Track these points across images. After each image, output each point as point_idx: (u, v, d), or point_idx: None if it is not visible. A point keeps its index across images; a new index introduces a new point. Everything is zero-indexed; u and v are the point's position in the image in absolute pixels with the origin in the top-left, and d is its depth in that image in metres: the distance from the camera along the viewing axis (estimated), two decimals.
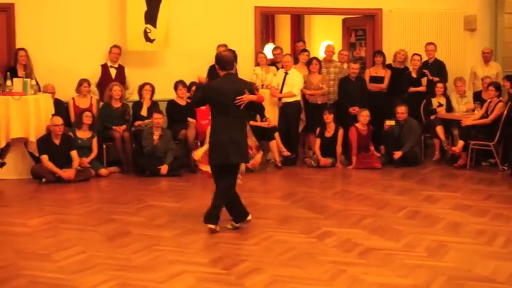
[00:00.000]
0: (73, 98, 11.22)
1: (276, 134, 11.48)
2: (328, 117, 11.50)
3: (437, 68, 12.35)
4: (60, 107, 10.99)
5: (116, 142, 10.99)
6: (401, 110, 11.52)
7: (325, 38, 15.68)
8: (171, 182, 10.25)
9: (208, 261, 6.30)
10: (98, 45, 11.68)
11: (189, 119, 11.29)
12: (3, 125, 10.19)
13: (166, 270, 6.05)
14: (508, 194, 9.38)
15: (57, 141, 10.26)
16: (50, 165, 10.10)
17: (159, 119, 10.71)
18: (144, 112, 11.31)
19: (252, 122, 11.37)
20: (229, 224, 7.49)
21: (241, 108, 7.34)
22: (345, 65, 12.59)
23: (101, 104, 11.41)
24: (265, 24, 17.09)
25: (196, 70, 11.73)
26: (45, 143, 10.22)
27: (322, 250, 6.68)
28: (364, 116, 11.49)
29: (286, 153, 11.53)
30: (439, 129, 11.65)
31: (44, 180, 10.10)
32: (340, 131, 11.51)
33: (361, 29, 13.74)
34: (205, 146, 7.93)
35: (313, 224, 7.68)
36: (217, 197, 7.39)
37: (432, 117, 11.97)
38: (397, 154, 11.36)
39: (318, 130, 11.61)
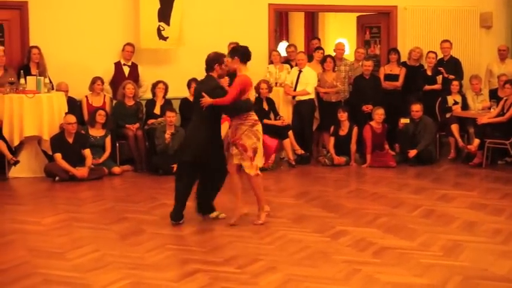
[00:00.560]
0: (86, 96, 11.22)
1: (290, 133, 11.44)
2: (343, 115, 11.45)
3: (453, 66, 12.29)
4: (74, 105, 11.01)
5: (129, 140, 10.98)
6: (416, 108, 11.45)
7: (339, 36, 15.60)
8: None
9: (222, 260, 6.28)
10: (111, 43, 11.68)
11: None
12: (17, 123, 10.22)
13: (180, 269, 6.06)
14: None
15: (70, 140, 10.26)
16: (63, 164, 10.10)
17: (172, 117, 10.68)
18: (157, 110, 11.30)
19: (266, 121, 11.32)
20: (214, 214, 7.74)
21: (203, 109, 7.50)
22: (361, 63, 12.51)
23: (114, 102, 11.41)
24: (279, 21, 17.06)
25: None
26: (58, 141, 10.22)
27: (337, 249, 6.65)
28: (379, 114, 11.43)
29: (300, 151, 11.50)
30: (455, 128, 11.57)
31: (57, 178, 10.10)
32: (355, 129, 11.46)
33: (376, 27, 13.67)
34: None
35: (328, 222, 7.65)
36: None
37: (447, 115, 11.91)
38: (412, 152, 11.29)
39: (332, 128, 11.57)
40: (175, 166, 10.42)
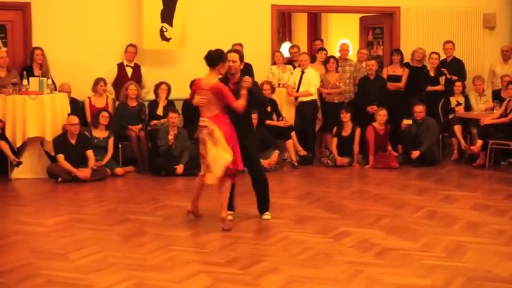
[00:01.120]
0: (89, 97, 11.22)
1: (293, 133, 11.43)
2: (345, 116, 11.44)
3: (456, 67, 12.27)
4: (76, 106, 11.01)
5: (132, 141, 10.98)
6: (419, 109, 11.43)
7: (342, 37, 15.59)
8: (187, 181, 10.20)
9: (225, 262, 6.27)
10: (114, 44, 11.68)
11: None
12: (20, 124, 10.22)
13: (182, 270, 6.03)
14: None
15: (73, 141, 10.25)
16: (66, 165, 10.10)
17: (175, 118, 10.68)
18: (160, 111, 11.30)
19: (268, 121, 11.35)
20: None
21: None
22: (364, 64, 12.50)
23: (117, 103, 11.40)
24: (281, 22, 17.06)
25: None
26: (61, 142, 10.22)
27: (339, 250, 6.64)
28: (382, 115, 11.41)
29: (303, 152, 11.49)
30: (457, 129, 11.55)
31: (59, 179, 10.10)
32: (357, 130, 11.45)
33: (379, 27, 13.66)
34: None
35: (330, 224, 7.63)
36: None
37: (450, 116, 11.88)
38: (415, 153, 11.28)
39: (334, 129, 11.55)
40: (178, 167, 10.52)
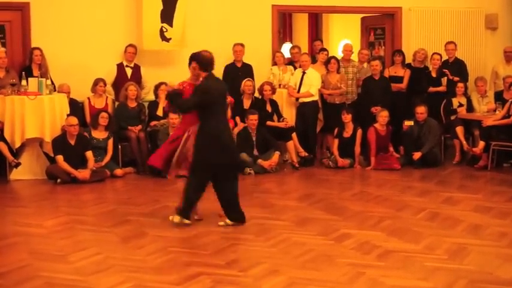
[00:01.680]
0: (88, 98, 11.18)
1: (294, 134, 11.39)
2: (347, 117, 11.39)
3: (458, 68, 12.23)
4: (76, 107, 10.97)
5: (132, 142, 10.94)
6: (421, 110, 11.39)
7: (343, 37, 15.57)
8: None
9: (225, 263, 6.24)
10: (114, 44, 11.65)
11: None
12: (19, 125, 10.19)
13: (182, 272, 6.01)
14: None
15: (72, 142, 10.21)
16: (65, 166, 10.05)
17: (175, 119, 10.62)
18: (160, 112, 11.26)
19: (269, 122, 11.32)
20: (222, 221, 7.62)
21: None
22: (365, 65, 12.47)
23: (117, 103, 11.37)
24: (282, 23, 17.02)
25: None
26: (60, 143, 10.18)
27: (341, 252, 6.61)
28: (383, 116, 11.36)
29: (304, 153, 11.45)
30: (459, 130, 11.50)
31: (59, 180, 10.06)
32: (359, 132, 11.40)
33: (380, 28, 13.63)
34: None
35: (331, 225, 7.60)
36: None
37: (452, 117, 11.83)
38: (417, 155, 11.23)
39: (336, 130, 11.50)
40: None
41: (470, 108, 11.91)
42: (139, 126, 11.05)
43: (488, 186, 10.05)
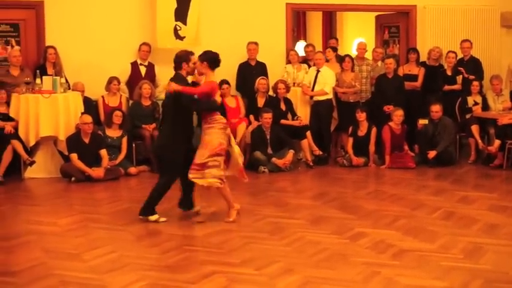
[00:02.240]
0: (102, 96, 11.19)
1: (308, 133, 11.36)
2: (361, 116, 11.36)
3: (473, 66, 12.17)
4: (90, 105, 10.98)
5: (146, 141, 10.94)
6: (436, 109, 11.33)
7: (357, 35, 15.52)
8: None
9: (240, 262, 6.22)
10: (128, 42, 11.65)
11: None
12: (33, 123, 10.21)
13: (197, 270, 6.00)
14: None
15: (86, 140, 10.22)
16: (79, 164, 10.06)
17: None
18: None
19: (283, 121, 11.30)
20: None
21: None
22: (379, 63, 12.43)
23: (131, 102, 11.37)
24: (296, 21, 16.98)
25: (227, 68, 11.58)
26: (74, 141, 10.19)
27: (355, 251, 6.58)
28: (398, 115, 11.31)
29: (318, 152, 11.42)
30: (475, 129, 11.44)
31: (73, 179, 10.07)
32: (373, 130, 11.36)
33: (395, 26, 13.57)
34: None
35: (346, 224, 7.57)
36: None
37: (468, 116, 11.78)
38: (432, 154, 11.17)
39: (350, 129, 11.47)
40: None
41: (485, 106, 11.86)
42: (154, 125, 11.04)
43: (503, 185, 9.99)
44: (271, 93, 11.61)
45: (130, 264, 6.15)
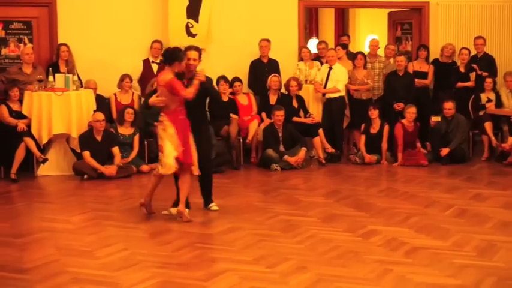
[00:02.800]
0: (115, 94, 11.20)
1: (320, 130, 11.33)
2: (373, 113, 11.32)
3: (487, 63, 12.10)
4: (102, 103, 10.99)
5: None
6: (449, 106, 11.28)
7: (370, 32, 15.48)
8: (213, 178, 10.13)
9: (252, 260, 6.21)
10: (140, 40, 11.66)
11: (232, 115, 11.20)
12: (46, 121, 10.23)
13: (209, 268, 6.00)
14: None
15: (98, 138, 10.24)
16: (92, 162, 10.08)
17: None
18: None
19: (295, 118, 11.29)
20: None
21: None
22: (392, 60, 12.38)
23: (143, 99, 11.36)
24: (308, 18, 16.95)
25: (239, 65, 11.68)
26: (86, 139, 10.21)
27: (368, 249, 6.56)
28: (411, 113, 11.27)
29: (330, 149, 11.40)
30: (488, 126, 11.39)
31: (85, 176, 10.09)
32: (386, 127, 11.32)
33: (408, 23, 13.52)
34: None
35: (358, 222, 7.55)
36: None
37: (481, 113, 11.73)
38: (445, 151, 11.13)
39: (362, 126, 11.44)
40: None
41: (499, 103, 11.79)
42: None
43: None
44: (283, 90, 11.59)
45: (142, 261, 6.15)
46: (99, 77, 11.18)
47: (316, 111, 11.64)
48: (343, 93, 11.66)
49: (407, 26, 13.54)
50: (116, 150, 10.31)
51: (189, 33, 11.73)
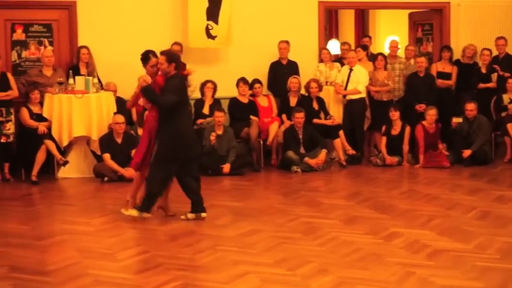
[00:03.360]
0: None
1: (341, 132, 11.29)
2: (394, 115, 11.27)
3: (508, 63, 12.01)
4: (122, 105, 10.98)
5: None
6: (471, 107, 11.21)
7: (390, 33, 15.40)
8: (233, 181, 10.17)
9: (273, 262, 6.19)
10: (160, 42, 11.51)
11: (252, 117, 11.19)
12: (66, 123, 10.28)
13: (230, 270, 5.98)
14: None
15: (119, 140, 10.25)
16: (112, 164, 10.10)
17: (221, 117, 10.63)
18: (206, 110, 11.23)
19: (316, 120, 11.26)
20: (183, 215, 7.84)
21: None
22: (412, 61, 12.33)
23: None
24: (328, 19, 16.90)
25: (259, 67, 11.67)
26: (107, 141, 10.23)
27: (390, 251, 6.53)
28: (431, 115, 11.21)
29: (351, 151, 11.35)
30: (510, 127, 11.30)
31: (106, 179, 10.11)
32: (407, 129, 11.27)
33: (428, 24, 13.44)
34: None
35: (380, 224, 7.52)
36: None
37: (503, 114, 11.65)
38: (467, 152, 11.05)
39: (383, 128, 11.39)
40: (224, 167, 10.46)
41: None
42: None
43: None
44: (303, 92, 11.56)
45: (163, 264, 6.14)
46: (119, 79, 11.18)
47: (336, 113, 11.60)
48: (363, 94, 11.61)
49: (428, 27, 13.46)
50: None
51: (209, 35, 11.72)
